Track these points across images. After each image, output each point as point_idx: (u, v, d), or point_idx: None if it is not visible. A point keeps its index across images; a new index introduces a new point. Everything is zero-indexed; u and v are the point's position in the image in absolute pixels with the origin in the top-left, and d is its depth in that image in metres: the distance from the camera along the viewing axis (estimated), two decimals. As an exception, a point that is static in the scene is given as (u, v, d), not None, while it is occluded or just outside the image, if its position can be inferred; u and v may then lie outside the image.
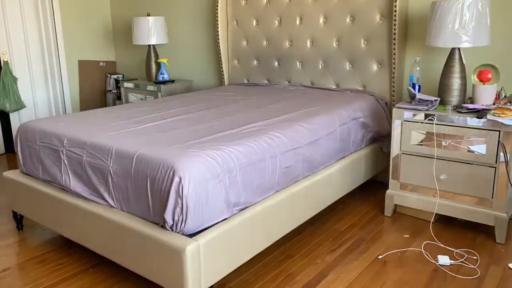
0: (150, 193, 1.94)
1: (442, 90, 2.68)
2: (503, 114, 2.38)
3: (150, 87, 4.21)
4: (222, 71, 4.05)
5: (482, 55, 2.79)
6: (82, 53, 4.88)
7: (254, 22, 3.81)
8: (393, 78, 3.11)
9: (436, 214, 2.69)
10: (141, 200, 2.00)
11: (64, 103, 4.79)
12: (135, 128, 2.41)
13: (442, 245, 2.51)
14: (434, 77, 2.93)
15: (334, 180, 2.70)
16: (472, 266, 2.31)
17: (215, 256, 1.92)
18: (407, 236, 2.64)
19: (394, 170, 2.79)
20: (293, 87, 3.58)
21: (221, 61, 4.01)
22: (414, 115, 2.63)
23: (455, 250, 2.46)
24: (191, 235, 1.88)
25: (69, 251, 2.56)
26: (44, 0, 4.47)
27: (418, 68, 2.80)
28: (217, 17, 3.89)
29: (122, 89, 4.51)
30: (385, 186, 2.90)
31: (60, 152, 2.34)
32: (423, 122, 2.60)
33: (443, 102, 2.68)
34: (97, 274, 2.33)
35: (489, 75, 2.57)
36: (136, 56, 4.89)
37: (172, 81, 4.25)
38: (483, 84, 2.59)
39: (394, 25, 3.00)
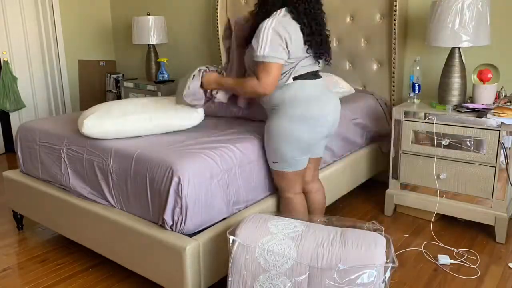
0: (150, 193, 1.94)
1: (442, 89, 2.67)
2: (503, 113, 2.37)
3: (150, 87, 4.21)
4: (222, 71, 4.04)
5: (482, 54, 2.79)
6: (82, 52, 4.88)
7: (254, 22, 3.80)
8: (393, 77, 3.11)
9: (436, 213, 2.69)
10: (140, 200, 2.00)
11: (64, 103, 4.79)
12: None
13: (442, 245, 2.51)
14: (434, 76, 2.93)
15: (334, 179, 2.69)
16: (472, 266, 2.31)
17: (214, 256, 1.92)
18: (407, 235, 2.64)
19: (394, 170, 2.79)
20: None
21: (221, 60, 4.00)
22: (414, 114, 2.64)
23: (455, 250, 2.46)
24: (191, 235, 1.88)
25: (69, 250, 2.56)
26: (44, 0, 4.47)
27: (418, 68, 2.80)
28: (217, 16, 3.89)
29: (122, 88, 4.51)
30: (385, 185, 2.90)
31: (61, 151, 2.34)
32: (423, 122, 2.60)
33: (443, 102, 2.68)
34: (97, 274, 2.33)
35: (489, 75, 2.57)
36: (136, 55, 4.88)
37: (172, 81, 4.25)
38: (483, 83, 2.59)
39: (394, 24, 3.00)
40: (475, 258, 2.39)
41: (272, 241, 1.63)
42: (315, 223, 1.76)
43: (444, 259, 2.34)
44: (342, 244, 1.57)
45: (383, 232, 1.67)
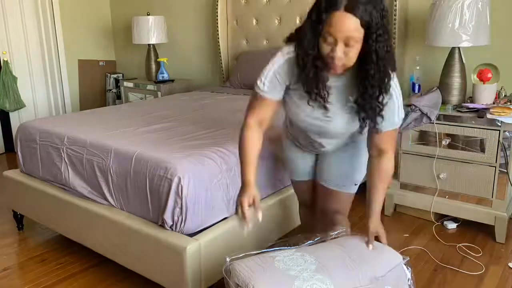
0: (150, 193, 1.94)
1: (442, 89, 2.67)
2: (503, 113, 2.38)
3: (150, 87, 4.21)
4: (222, 71, 4.04)
5: (482, 54, 2.79)
6: (82, 52, 4.88)
7: (254, 22, 3.80)
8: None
9: (436, 213, 2.69)
10: (140, 200, 2.00)
11: (64, 103, 4.78)
12: (135, 127, 2.41)
13: (442, 244, 2.51)
14: (434, 76, 2.93)
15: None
16: (476, 261, 2.30)
17: (215, 256, 1.92)
18: (407, 235, 2.64)
19: (394, 170, 2.79)
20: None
21: (221, 60, 4.00)
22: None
23: (458, 245, 2.47)
24: (191, 235, 1.88)
25: (69, 250, 2.56)
26: (44, 0, 4.46)
27: (418, 68, 2.80)
28: (217, 16, 3.89)
29: (122, 88, 4.51)
30: (385, 185, 2.89)
31: (61, 150, 2.34)
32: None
33: (443, 102, 2.68)
34: (97, 274, 2.33)
35: (489, 75, 2.57)
36: (136, 55, 4.88)
37: (172, 81, 4.25)
38: (483, 83, 2.59)
39: (394, 24, 2.99)
40: (475, 257, 2.39)
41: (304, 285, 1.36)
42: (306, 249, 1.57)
43: (451, 224, 2.59)
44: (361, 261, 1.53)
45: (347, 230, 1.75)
